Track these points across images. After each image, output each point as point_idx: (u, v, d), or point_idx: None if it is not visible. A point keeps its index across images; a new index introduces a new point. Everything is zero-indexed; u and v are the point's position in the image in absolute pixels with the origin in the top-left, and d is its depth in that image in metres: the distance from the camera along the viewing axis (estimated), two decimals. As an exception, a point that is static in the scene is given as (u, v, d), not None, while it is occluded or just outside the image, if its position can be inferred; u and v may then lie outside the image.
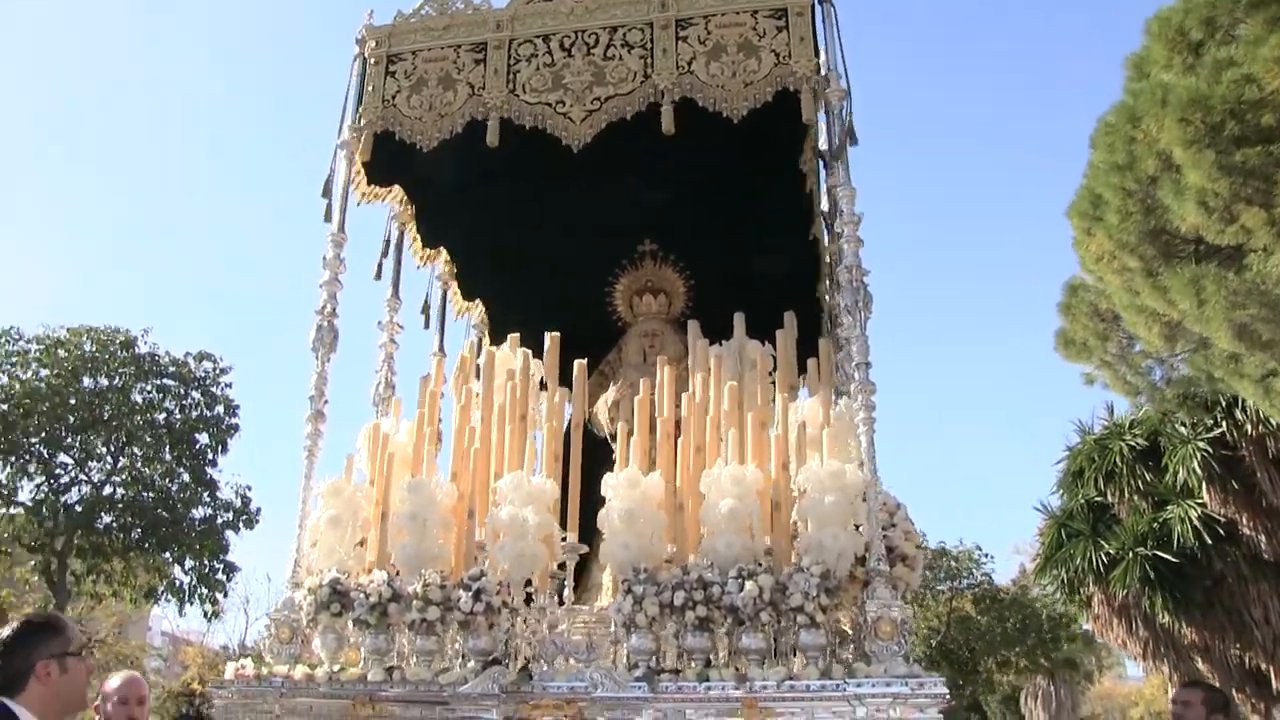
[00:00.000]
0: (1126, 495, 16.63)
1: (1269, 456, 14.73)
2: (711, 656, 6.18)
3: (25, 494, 23.49)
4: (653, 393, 7.43)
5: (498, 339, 8.72)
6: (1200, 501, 15.57)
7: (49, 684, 3.47)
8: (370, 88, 7.99)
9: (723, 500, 6.46)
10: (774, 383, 7.58)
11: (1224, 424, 15.07)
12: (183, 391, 24.70)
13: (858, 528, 6.40)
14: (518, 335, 8.28)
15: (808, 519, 6.45)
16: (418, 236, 9.33)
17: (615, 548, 6.51)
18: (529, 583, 6.68)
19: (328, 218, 7.73)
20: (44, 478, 23.44)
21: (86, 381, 24.04)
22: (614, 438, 8.08)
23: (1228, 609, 15.65)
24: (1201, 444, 15.21)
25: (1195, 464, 15.28)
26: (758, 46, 7.48)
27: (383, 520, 6.92)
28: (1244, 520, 15.22)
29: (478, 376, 7.86)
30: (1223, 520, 15.39)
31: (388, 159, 8.09)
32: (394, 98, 7.94)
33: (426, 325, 9.37)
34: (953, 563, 30.74)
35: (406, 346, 8.68)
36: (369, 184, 8.42)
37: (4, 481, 23.24)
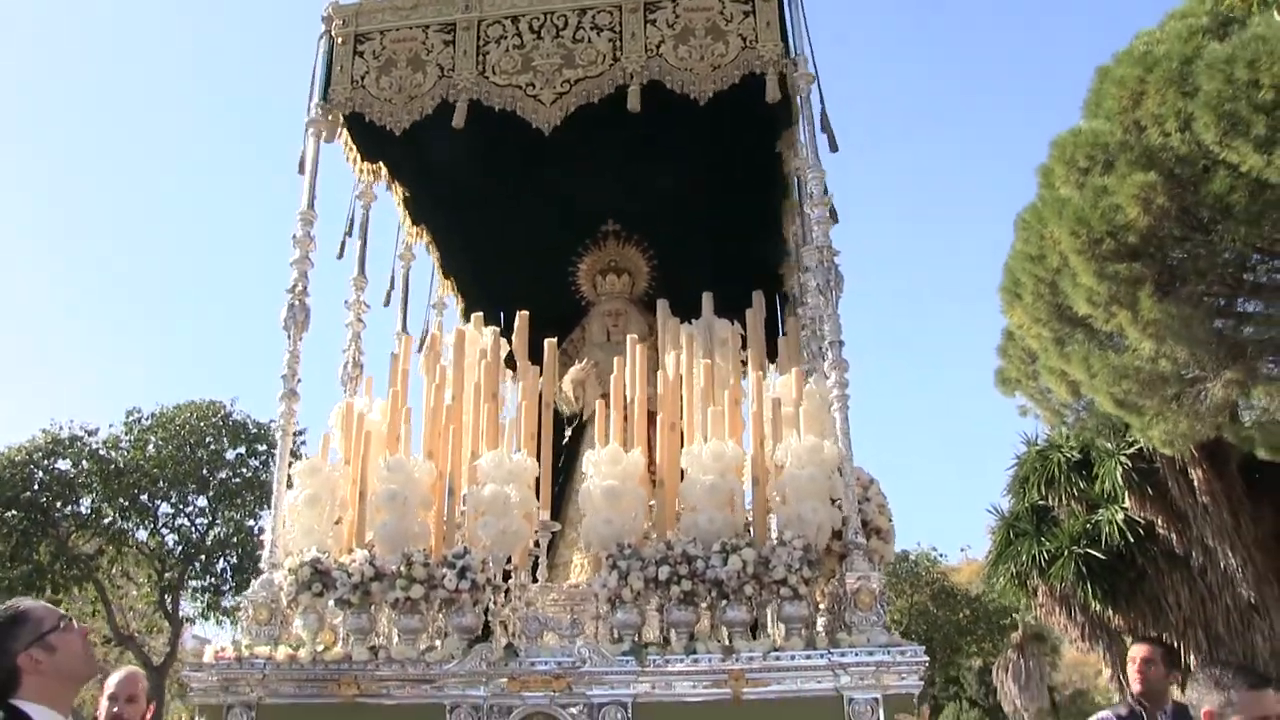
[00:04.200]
0: (1064, 500, 16.38)
1: (1177, 468, 14.32)
2: (694, 630, 4.97)
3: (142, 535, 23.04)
4: (624, 371, 6.11)
5: (468, 317, 7.36)
6: (1124, 506, 15.35)
7: (41, 670, 2.82)
8: (339, 68, 6.57)
9: (704, 476, 5.25)
10: (744, 361, 6.33)
11: (1141, 440, 14.34)
12: (265, 450, 23.71)
13: (834, 502, 5.19)
14: (481, 314, 6.95)
15: (785, 493, 5.24)
16: (407, 214, 7.81)
17: (598, 524, 5.22)
18: (508, 560, 5.35)
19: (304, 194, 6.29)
20: (152, 528, 22.88)
21: (193, 448, 23.33)
22: (578, 415, 6.79)
23: (1148, 597, 15.38)
24: (1123, 458, 14.97)
25: (1118, 475, 15.04)
26: (725, 30, 6.18)
27: (361, 500, 5.54)
28: (1160, 522, 15.07)
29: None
30: (1143, 522, 15.22)
31: (367, 137, 6.74)
32: (363, 79, 6.53)
33: (387, 303, 7.65)
34: (913, 565, 29.64)
35: (373, 326, 7.13)
36: (362, 160, 7.04)
37: (124, 531, 22.67)
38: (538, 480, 5.67)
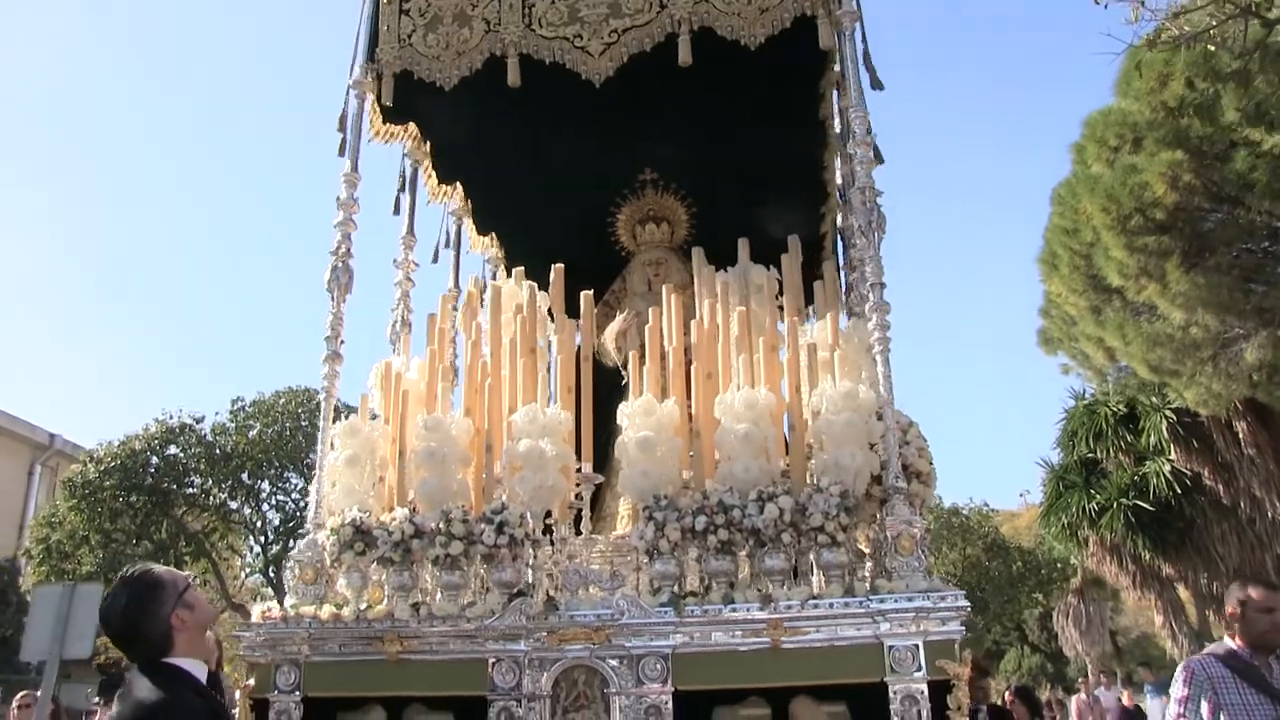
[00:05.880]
0: (1112, 453, 15.92)
1: (1222, 421, 13.75)
2: (733, 579, 4.64)
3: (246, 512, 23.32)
4: (661, 320, 5.71)
5: (510, 273, 6.78)
6: (1171, 459, 14.89)
7: (186, 626, 2.85)
8: (385, 27, 6.15)
9: (738, 424, 4.86)
10: (780, 307, 5.87)
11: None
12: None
13: (872, 447, 4.80)
14: (523, 269, 6.45)
15: (823, 440, 4.85)
16: (432, 173, 7.34)
17: (634, 475, 4.87)
18: (548, 514, 5.03)
19: (341, 152, 5.93)
20: (255, 506, 23.06)
21: (291, 432, 23.32)
22: (623, 366, 6.23)
23: (1197, 547, 15.10)
24: (1168, 412, 14.45)
25: (1164, 429, 14.56)
26: None
27: (400, 458, 5.23)
28: (1206, 473, 14.56)
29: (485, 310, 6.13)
30: (1189, 474, 14.76)
31: (400, 97, 6.26)
32: (410, 36, 6.11)
33: (435, 260, 7.37)
34: (965, 519, 28.87)
35: (422, 284, 6.86)
36: (384, 122, 6.57)
37: (230, 509, 23.01)
38: (579, 433, 5.33)
